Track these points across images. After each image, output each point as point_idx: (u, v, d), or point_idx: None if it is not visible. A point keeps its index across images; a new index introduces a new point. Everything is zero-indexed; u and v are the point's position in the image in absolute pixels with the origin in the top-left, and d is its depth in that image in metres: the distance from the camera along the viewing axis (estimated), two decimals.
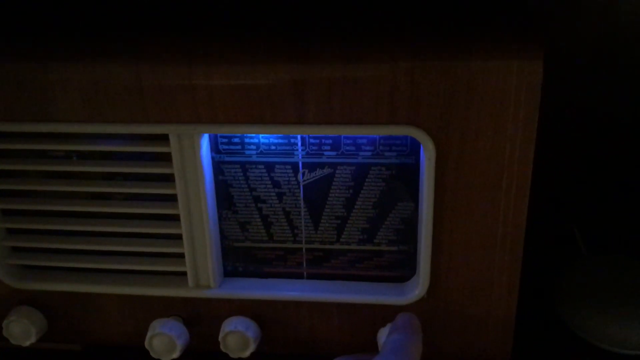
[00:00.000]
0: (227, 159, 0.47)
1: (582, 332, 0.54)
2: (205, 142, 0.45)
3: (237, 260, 0.50)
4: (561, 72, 0.61)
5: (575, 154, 0.66)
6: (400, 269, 0.49)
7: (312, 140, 0.45)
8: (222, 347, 0.48)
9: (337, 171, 0.46)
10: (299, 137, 0.45)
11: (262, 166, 0.47)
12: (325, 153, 0.46)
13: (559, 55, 0.61)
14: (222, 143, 0.46)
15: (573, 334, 0.54)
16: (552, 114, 0.51)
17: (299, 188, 0.47)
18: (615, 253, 0.62)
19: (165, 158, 0.45)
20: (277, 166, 0.46)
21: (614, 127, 0.65)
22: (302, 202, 0.47)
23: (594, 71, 0.63)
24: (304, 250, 0.49)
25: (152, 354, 0.48)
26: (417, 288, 0.47)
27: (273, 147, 0.46)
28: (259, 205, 0.48)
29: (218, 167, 0.47)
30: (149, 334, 0.48)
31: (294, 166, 0.46)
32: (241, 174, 0.47)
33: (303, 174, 0.46)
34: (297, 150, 0.46)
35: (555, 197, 0.65)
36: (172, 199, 0.46)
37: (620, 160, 0.66)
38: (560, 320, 0.55)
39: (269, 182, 0.47)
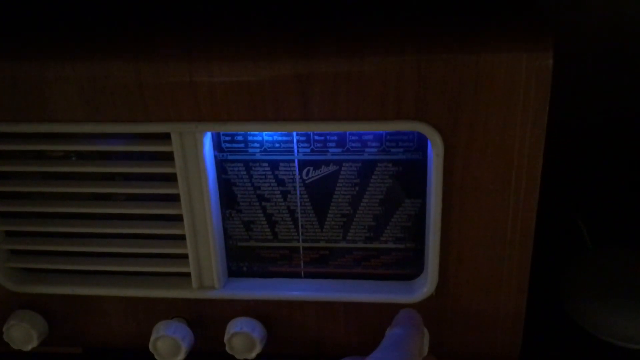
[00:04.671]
0: (230, 157, 0.46)
1: (589, 326, 0.53)
2: (207, 141, 0.44)
3: (241, 260, 0.49)
4: (566, 65, 0.61)
5: (580, 147, 0.65)
6: (408, 266, 0.48)
7: (316, 137, 0.45)
8: (227, 349, 0.47)
9: (342, 168, 0.45)
10: (303, 134, 0.44)
11: (266, 164, 0.46)
12: (331, 150, 0.45)
13: (565, 49, 0.60)
14: (225, 141, 0.45)
15: (579, 327, 0.54)
16: (557, 106, 0.50)
17: (304, 186, 0.46)
18: (621, 246, 0.61)
19: (167, 157, 0.45)
20: (281, 164, 0.45)
21: (620, 120, 0.65)
22: (307, 200, 0.46)
23: (600, 64, 0.62)
24: (309, 249, 0.48)
25: (157, 357, 0.47)
26: (425, 286, 0.46)
27: (277, 145, 0.45)
28: (263, 204, 0.47)
29: (221, 165, 0.46)
30: (153, 337, 0.47)
31: (299, 164, 0.45)
32: (245, 173, 0.46)
33: (308, 171, 0.46)
34: (302, 147, 0.45)
35: (561, 190, 0.64)
36: (174, 198, 0.46)
37: (625, 153, 0.65)
38: (567, 314, 0.55)
39: (273, 181, 0.46)
